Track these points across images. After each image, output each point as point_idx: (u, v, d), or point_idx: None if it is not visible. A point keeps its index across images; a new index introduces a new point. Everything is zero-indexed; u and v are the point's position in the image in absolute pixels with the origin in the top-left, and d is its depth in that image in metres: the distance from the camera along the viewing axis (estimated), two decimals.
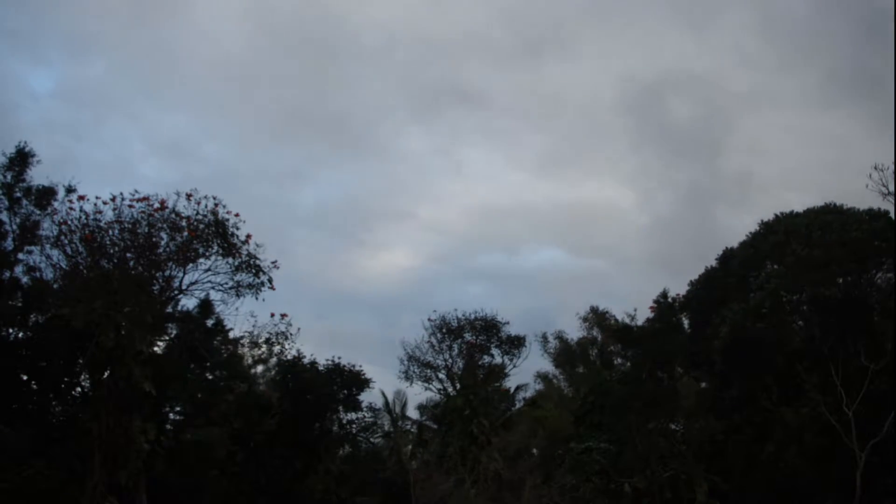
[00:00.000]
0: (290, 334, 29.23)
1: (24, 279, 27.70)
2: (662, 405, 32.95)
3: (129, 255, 24.64)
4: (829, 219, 29.44)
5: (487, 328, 34.30)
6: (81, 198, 24.77)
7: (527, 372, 49.12)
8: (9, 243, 27.48)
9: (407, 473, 31.14)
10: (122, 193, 24.68)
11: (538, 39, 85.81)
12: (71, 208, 24.71)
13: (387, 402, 42.31)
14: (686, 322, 33.82)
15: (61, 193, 27.26)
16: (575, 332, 45.68)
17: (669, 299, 33.65)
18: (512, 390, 41.53)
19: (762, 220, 32.11)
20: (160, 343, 28.21)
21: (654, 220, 77.73)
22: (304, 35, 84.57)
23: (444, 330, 34.28)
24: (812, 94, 78.20)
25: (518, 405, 43.13)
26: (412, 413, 44.46)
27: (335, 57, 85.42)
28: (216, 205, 25.26)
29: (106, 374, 24.89)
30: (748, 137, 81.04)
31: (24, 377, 27.69)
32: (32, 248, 27.45)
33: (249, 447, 30.37)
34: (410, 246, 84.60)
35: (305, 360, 31.72)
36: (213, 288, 26.21)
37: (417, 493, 28.64)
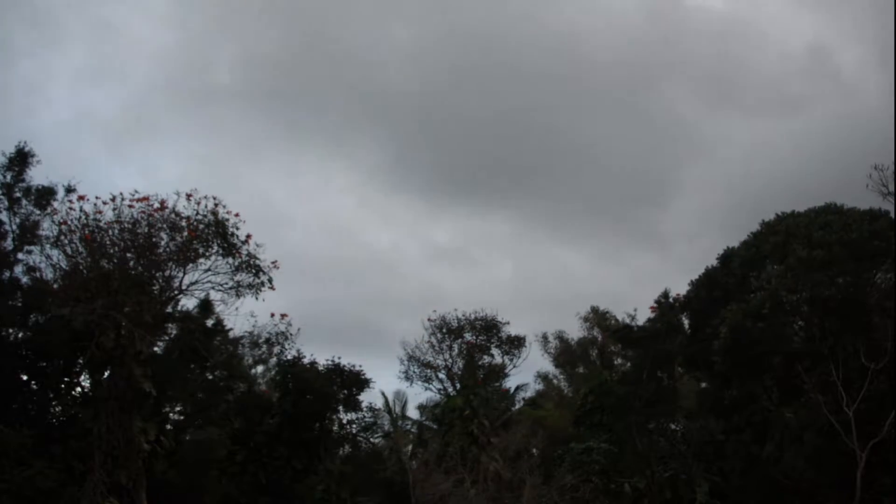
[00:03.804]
0: (290, 334, 29.30)
1: (24, 279, 27.74)
2: (662, 405, 32.97)
3: (129, 255, 24.63)
4: (829, 219, 29.37)
5: (487, 328, 34.27)
6: (81, 198, 24.77)
7: (527, 372, 49.18)
8: (9, 243, 27.50)
9: (407, 473, 31.11)
10: (121, 193, 24.71)
11: None
12: (71, 208, 24.72)
13: (387, 402, 42.36)
14: (686, 322, 33.79)
15: (61, 193, 27.31)
16: (575, 332, 45.79)
17: (670, 299, 33.63)
18: (512, 390, 41.56)
19: (763, 220, 32.07)
20: (160, 343, 28.22)
21: None
22: None
23: (444, 330, 34.26)
24: None
25: (518, 405, 43.15)
26: (412, 413, 44.57)
27: None
28: (216, 205, 25.27)
29: (106, 374, 24.92)
30: None
31: (24, 377, 27.71)
32: (32, 248, 27.51)
33: (249, 447, 30.35)
34: None
35: (305, 360, 31.72)
36: (213, 288, 26.20)
37: (417, 493, 28.62)
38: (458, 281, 66.25)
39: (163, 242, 24.90)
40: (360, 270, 68.21)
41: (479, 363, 34.51)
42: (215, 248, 25.38)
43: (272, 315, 28.76)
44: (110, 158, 69.82)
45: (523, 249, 67.12)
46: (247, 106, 72.33)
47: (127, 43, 74.70)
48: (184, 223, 24.85)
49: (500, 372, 35.66)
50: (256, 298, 26.06)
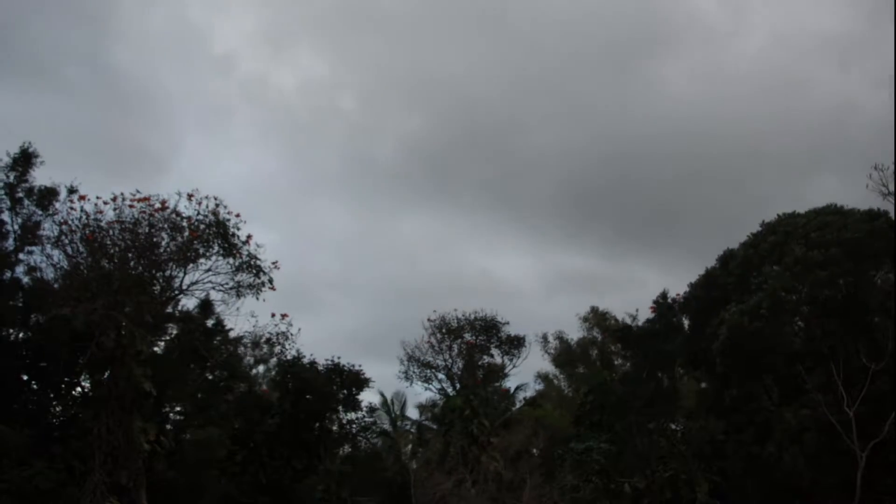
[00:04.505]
0: (291, 334, 29.26)
1: (25, 279, 27.73)
2: (662, 405, 32.97)
3: (129, 255, 24.62)
4: (828, 219, 29.40)
5: (487, 328, 34.26)
6: (82, 198, 24.76)
7: (527, 372, 49.24)
8: (10, 243, 27.51)
9: (407, 473, 31.17)
10: (122, 193, 24.70)
11: None
12: (72, 208, 24.70)
13: (385, 402, 42.39)
14: (686, 322, 33.80)
15: (63, 194, 27.26)
16: (575, 332, 45.80)
17: (669, 300, 33.65)
18: (512, 390, 41.57)
19: (763, 221, 32.10)
20: (160, 343, 28.24)
21: None
22: None
23: (443, 330, 34.23)
24: None
25: (518, 405, 43.14)
26: (412, 413, 44.58)
27: None
28: (217, 205, 25.26)
29: (106, 374, 24.91)
30: None
31: (25, 377, 27.72)
32: (33, 248, 27.50)
33: (249, 447, 30.38)
34: None
35: (305, 360, 31.72)
36: (213, 288, 26.16)
37: (417, 493, 28.67)
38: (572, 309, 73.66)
39: (163, 242, 24.89)
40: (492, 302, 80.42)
41: (479, 363, 34.51)
42: (216, 248, 25.36)
43: (272, 315, 28.73)
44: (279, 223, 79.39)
45: (637, 283, 74.01)
46: (404, 176, 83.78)
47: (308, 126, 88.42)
48: (184, 223, 24.85)
49: (499, 372, 35.66)
50: (257, 299, 26.07)
